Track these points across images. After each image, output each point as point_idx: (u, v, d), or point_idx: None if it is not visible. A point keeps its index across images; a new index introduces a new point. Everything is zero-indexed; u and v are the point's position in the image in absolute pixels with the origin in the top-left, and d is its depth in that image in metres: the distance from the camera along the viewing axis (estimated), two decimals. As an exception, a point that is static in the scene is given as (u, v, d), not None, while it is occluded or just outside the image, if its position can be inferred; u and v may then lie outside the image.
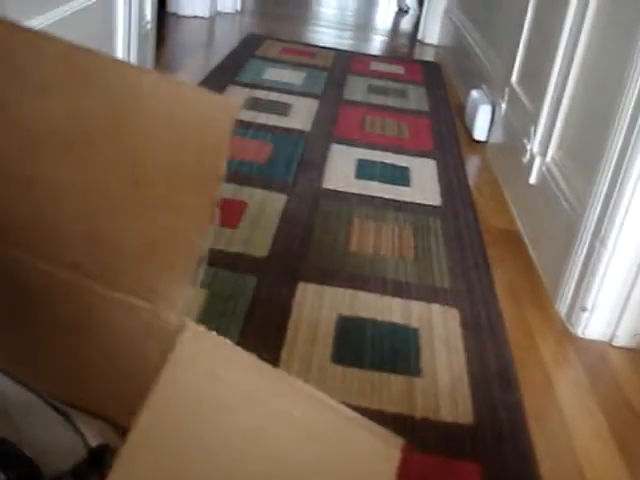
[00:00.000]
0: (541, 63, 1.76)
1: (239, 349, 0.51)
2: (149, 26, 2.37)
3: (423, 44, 3.56)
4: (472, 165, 2.10)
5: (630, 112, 1.24)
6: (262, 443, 0.51)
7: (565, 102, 1.58)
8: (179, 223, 0.54)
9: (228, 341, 0.51)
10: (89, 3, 1.86)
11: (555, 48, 1.65)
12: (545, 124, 1.66)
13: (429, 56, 3.38)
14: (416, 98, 2.55)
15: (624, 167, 1.25)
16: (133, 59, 2.22)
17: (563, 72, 1.61)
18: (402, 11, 4.68)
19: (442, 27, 3.50)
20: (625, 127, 1.25)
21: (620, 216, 1.26)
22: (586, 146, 1.44)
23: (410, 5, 4.60)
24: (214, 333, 0.51)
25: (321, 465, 0.52)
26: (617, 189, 1.26)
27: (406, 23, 4.21)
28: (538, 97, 1.72)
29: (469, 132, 2.23)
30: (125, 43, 2.17)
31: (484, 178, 2.02)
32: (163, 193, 0.53)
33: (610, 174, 1.29)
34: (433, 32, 3.56)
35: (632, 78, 1.24)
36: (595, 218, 1.32)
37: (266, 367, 0.52)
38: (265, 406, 0.51)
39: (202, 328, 0.51)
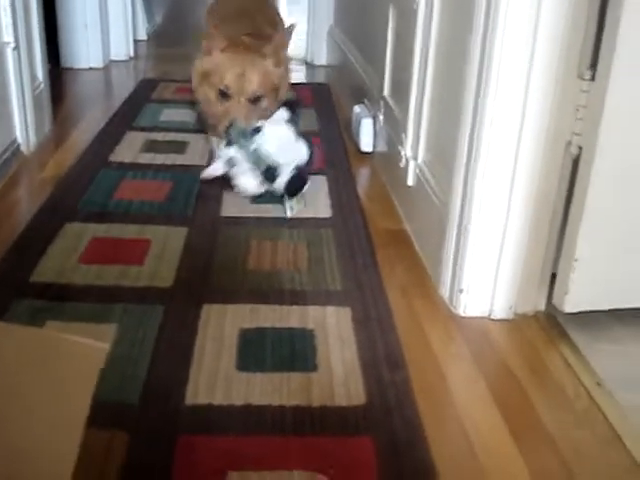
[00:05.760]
0: (403, 73, 1.92)
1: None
2: (42, 86, 2.48)
3: (313, 66, 3.72)
4: (362, 176, 2.26)
5: (471, 105, 1.40)
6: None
7: (425, 107, 1.75)
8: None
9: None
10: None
11: (411, 56, 1.81)
12: (413, 130, 1.82)
13: (319, 77, 3.54)
14: (306, 120, 2.70)
15: (473, 158, 1.41)
16: (30, 120, 2.31)
17: (421, 79, 1.77)
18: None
19: (328, 48, 3.66)
20: (470, 120, 1.41)
21: (476, 204, 1.42)
22: (445, 145, 1.60)
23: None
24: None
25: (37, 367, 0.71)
26: (469, 179, 1.42)
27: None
28: (404, 106, 1.89)
29: (357, 145, 2.38)
30: (20, 107, 2.26)
31: (372, 186, 2.18)
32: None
33: (464, 166, 1.45)
34: (320, 53, 3.72)
35: (470, 73, 1.40)
36: (458, 209, 1.48)
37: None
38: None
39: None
